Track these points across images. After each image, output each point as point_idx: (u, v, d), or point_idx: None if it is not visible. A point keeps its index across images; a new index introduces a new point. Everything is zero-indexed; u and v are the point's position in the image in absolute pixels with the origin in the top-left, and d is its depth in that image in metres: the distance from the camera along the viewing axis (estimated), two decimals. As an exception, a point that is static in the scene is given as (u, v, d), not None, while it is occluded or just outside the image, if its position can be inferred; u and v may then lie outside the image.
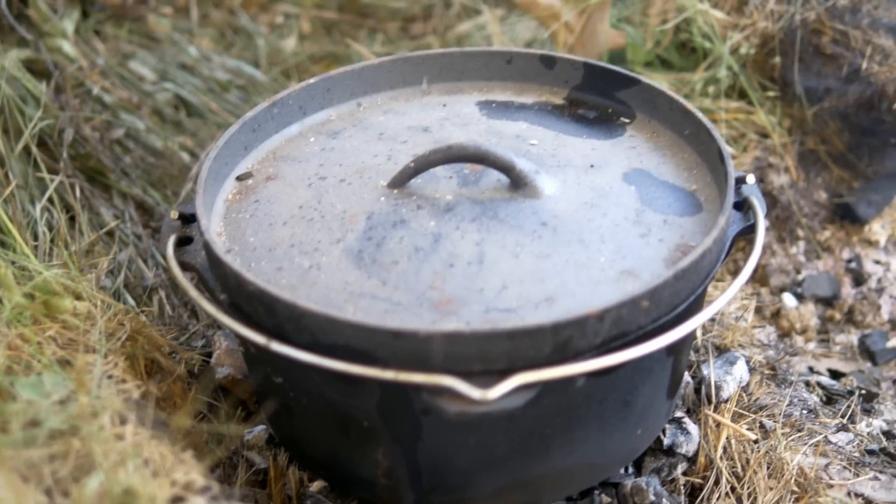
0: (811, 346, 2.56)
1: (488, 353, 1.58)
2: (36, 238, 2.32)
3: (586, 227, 1.82)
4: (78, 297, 1.93)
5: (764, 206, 1.91)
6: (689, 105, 2.04)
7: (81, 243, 2.39)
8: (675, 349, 1.85)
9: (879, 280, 2.72)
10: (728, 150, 1.90)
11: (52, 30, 2.85)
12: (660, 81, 2.73)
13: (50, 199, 2.44)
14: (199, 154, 2.88)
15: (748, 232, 1.89)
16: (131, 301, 2.38)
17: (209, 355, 2.27)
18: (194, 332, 2.38)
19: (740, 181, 1.94)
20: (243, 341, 1.80)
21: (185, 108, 3.06)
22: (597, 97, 2.19)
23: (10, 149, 2.42)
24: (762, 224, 1.87)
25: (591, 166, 1.97)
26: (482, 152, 1.85)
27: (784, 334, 2.58)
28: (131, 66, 3.08)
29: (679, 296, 1.71)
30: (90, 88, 2.83)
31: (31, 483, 1.48)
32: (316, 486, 2.02)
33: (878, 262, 2.76)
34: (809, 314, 2.61)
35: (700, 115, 2.00)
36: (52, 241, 2.32)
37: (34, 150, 2.45)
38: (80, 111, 2.72)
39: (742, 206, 1.92)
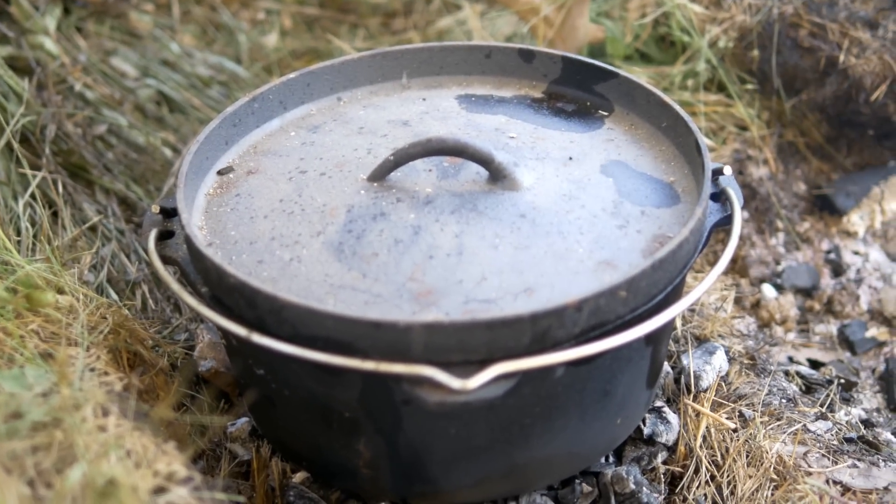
0: (791, 336, 2.58)
1: (468, 344, 1.59)
2: (19, 233, 2.32)
3: (565, 218, 1.84)
4: (60, 291, 1.94)
5: (741, 197, 1.92)
6: (667, 98, 2.05)
7: (64, 238, 2.40)
8: (653, 339, 1.87)
9: (858, 270, 2.74)
10: (706, 142, 1.92)
11: (33, 27, 2.86)
12: (639, 75, 2.74)
13: (32, 195, 2.44)
14: (181, 150, 2.89)
15: (726, 223, 1.91)
16: (114, 295, 2.38)
17: (192, 348, 2.28)
18: (177, 325, 2.39)
19: (717, 173, 1.95)
20: (225, 334, 1.81)
21: (167, 104, 3.06)
22: (575, 90, 2.20)
23: (-9, 144, 2.43)
24: (739, 215, 1.89)
25: (570, 159, 1.98)
26: (461, 145, 1.86)
27: (764, 325, 2.60)
28: (113, 63, 3.08)
29: (657, 286, 1.73)
30: (72, 85, 2.84)
31: (13, 475, 1.49)
32: (299, 477, 2.03)
33: (856, 253, 2.78)
34: (789, 305, 2.63)
35: (677, 107, 2.02)
36: (34, 236, 2.33)
37: (16, 146, 2.45)
38: (62, 107, 2.73)
39: (719, 197, 1.94)
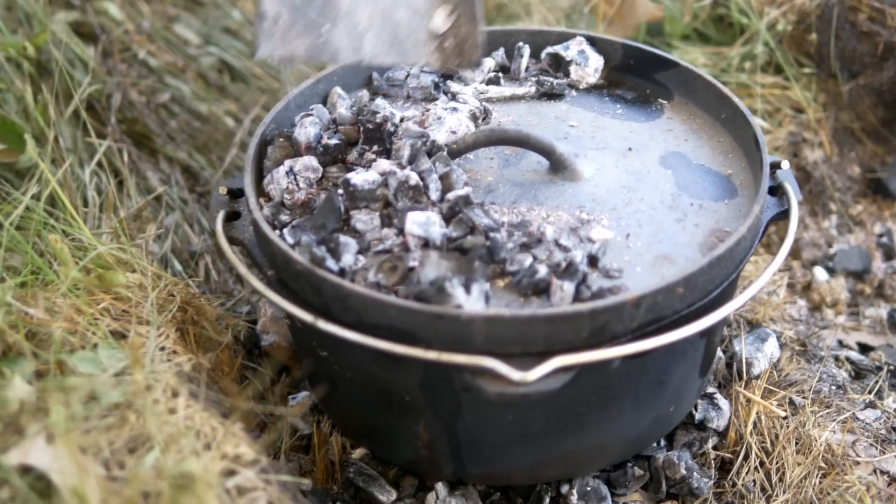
0: (841, 319, 2.60)
1: (528, 336, 1.63)
2: (86, 203, 2.37)
3: (623, 211, 1.87)
4: (130, 270, 1.99)
5: (798, 192, 1.94)
6: (727, 90, 2.07)
7: (130, 209, 2.44)
8: (708, 331, 1.89)
9: (910, 255, 2.76)
10: (762, 124, 1.92)
11: (98, -8, 2.90)
12: (696, 55, 2.76)
13: (99, 164, 2.49)
14: (242, 119, 2.93)
15: (782, 217, 1.94)
16: (178, 266, 2.44)
17: (254, 322, 2.33)
18: (239, 298, 2.44)
19: (775, 166, 1.98)
20: (290, 315, 1.85)
21: (228, 72, 3.10)
22: (635, 78, 2.23)
23: (59, 113, 2.47)
24: (796, 210, 1.91)
25: (629, 149, 2.01)
26: (523, 136, 1.90)
27: (815, 308, 2.62)
28: (176, 30, 3.12)
29: (713, 282, 1.76)
30: (136, 52, 2.88)
31: (89, 454, 1.55)
32: (358, 453, 2.08)
33: (909, 237, 2.80)
34: (840, 288, 2.65)
35: (737, 100, 2.04)
36: (101, 206, 2.37)
37: (83, 114, 2.49)
38: (127, 76, 2.77)
39: (776, 190, 1.97)
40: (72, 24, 2.78)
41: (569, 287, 1.68)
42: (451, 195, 1.82)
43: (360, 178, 1.83)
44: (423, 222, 1.76)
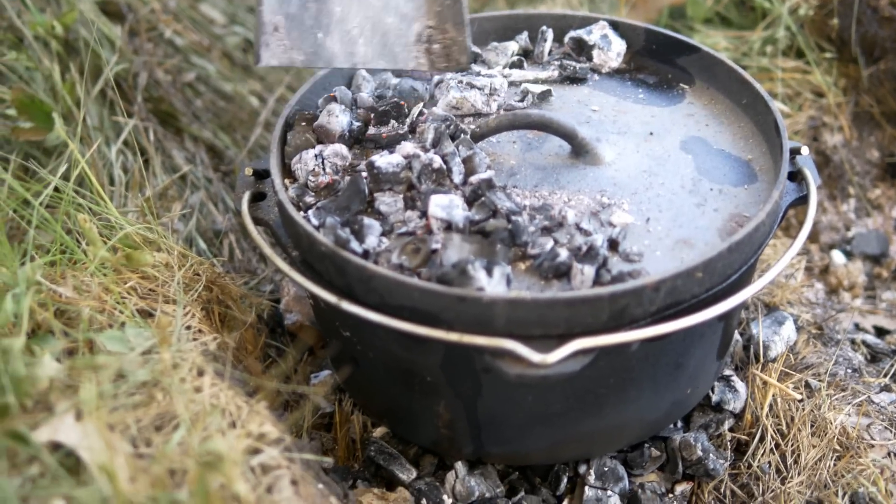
0: (858, 302, 2.62)
1: (548, 319, 1.66)
2: (112, 182, 2.40)
3: (644, 195, 1.89)
4: (157, 249, 2.02)
5: (817, 177, 1.96)
6: (748, 75, 2.09)
7: (155, 187, 2.47)
8: (726, 315, 1.90)
9: (928, 239, 2.77)
10: (782, 108, 1.92)
11: (125, -30, 2.92)
12: (718, 39, 2.77)
13: (125, 142, 2.52)
14: (267, 98, 2.95)
15: (801, 202, 1.96)
16: (203, 244, 2.47)
17: (278, 301, 2.36)
18: (263, 277, 2.47)
19: (795, 152, 1.99)
20: (314, 296, 1.88)
21: (253, 51, 3.11)
22: (657, 62, 2.25)
23: (86, 92, 2.50)
24: (814, 196, 1.93)
25: (651, 134, 2.03)
26: (546, 120, 1.92)
27: (832, 291, 2.64)
28: (202, 9, 3.14)
29: (732, 266, 1.78)
30: (162, 32, 2.90)
31: (116, 432, 1.58)
32: (379, 432, 2.11)
33: (927, 221, 2.82)
34: (857, 271, 2.66)
35: (758, 85, 2.06)
36: (127, 184, 2.40)
37: (110, 93, 2.52)
38: (153, 55, 2.79)
39: (795, 176, 1.98)
40: (99, 4, 2.80)
41: (589, 271, 1.70)
42: (473, 178, 1.84)
43: (385, 160, 1.86)
44: (447, 205, 1.78)
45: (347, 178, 1.88)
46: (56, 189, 2.03)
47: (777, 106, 1.99)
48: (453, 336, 1.67)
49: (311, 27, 1.92)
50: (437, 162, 1.85)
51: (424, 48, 1.87)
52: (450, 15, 1.85)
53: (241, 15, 3.18)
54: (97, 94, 2.55)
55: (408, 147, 1.90)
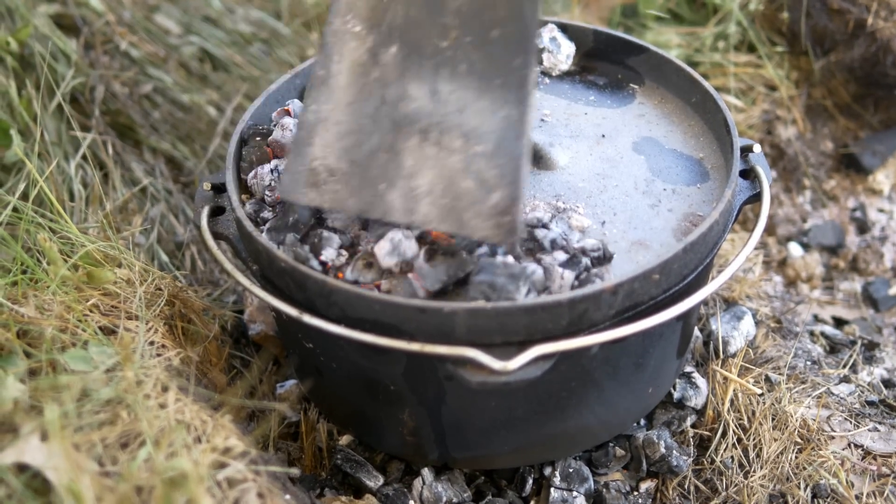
0: (816, 293, 2.65)
1: (508, 326, 1.67)
2: (72, 197, 2.39)
3: (598, 198, 1.91)
4: (118, 265, 2.02)
5: (769, 175, 1.98)
6: (696, 74, 2.11)
7: (115, 201, 2.47)
8: (684, 315, 1.92)
9: (883, 228, 2.80)
10: (736, 102, 1.93)
11: (78, -16, 2.91)
12: (671, 36, 2.79)
13: (83, 157, 2.51)
14: (224, 108, 2.95)
15: (755, 200, 1.97)
16: (164, 257, 2.47)
17: (241, 312, 2.37)
18: (226, 288, 2.47)
19: (746, 150, 2.01)
20: (275, 309, 1.88)
21: (210, 61, 3.12)
22: (607, 63, 2.26)
23: (43, 107, 2.49)
24: (767, 193, 1.95)
25: (603, 136, 2.05)
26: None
27: (790, 283, 2.66)
28: (157, 20, 3.13)
29: (688, 266, 1.80)
30: (118, 44, 2.90)
31: (82, 452, 1.58)
32: (345, 439, 2.13)
33: (881, 211, 2.85)
34: (815, 263, 2.69)
35: (707, 84, 2.08)
36: (87, 199, 2.40)
37: (66, 107, 2.52)
38: (109, 68, 2.79)
39: (748, 174, 2.00)
40: (53, 17, 2.80)
41: (569, 276, 1.74)
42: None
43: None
44: (391, 249, 1.78)
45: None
46: (14, 209, 2.03)
47: (730, 101, 2.01)
48: (415, 346, 1.68)
49: (375, 178, 1.77)
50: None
51: (496, 220, 1.70)
52: (521, 189, 1.74)
53: (197, 24, 3.17)
54: (54, 108, 2.55)
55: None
